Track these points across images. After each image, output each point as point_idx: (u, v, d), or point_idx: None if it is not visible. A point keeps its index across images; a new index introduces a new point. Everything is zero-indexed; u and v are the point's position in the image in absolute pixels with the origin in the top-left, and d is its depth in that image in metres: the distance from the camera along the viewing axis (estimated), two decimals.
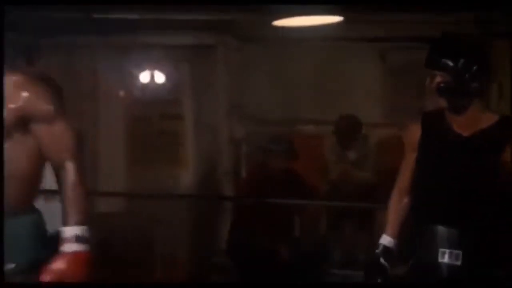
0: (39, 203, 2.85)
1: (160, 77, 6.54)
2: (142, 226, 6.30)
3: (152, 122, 6.74)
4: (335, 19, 5.29)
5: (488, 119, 2.97)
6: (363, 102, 5.99)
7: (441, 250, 2.98)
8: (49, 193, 3.42)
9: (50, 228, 2.79)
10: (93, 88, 6.48)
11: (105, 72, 6.43)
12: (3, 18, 2.88)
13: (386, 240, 3.17)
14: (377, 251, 3.16)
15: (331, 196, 5.81)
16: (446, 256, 2.97)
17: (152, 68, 6.47)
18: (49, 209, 2.94)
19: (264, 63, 6.73)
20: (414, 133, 3.09)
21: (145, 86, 6.49)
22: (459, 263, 2.96)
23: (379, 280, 3.12)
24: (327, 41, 6.44)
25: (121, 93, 6.60)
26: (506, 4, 4.84)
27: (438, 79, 2.91)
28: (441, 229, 2.98)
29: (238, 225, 5.48)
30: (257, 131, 6.62)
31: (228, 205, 6.35)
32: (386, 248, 3.15)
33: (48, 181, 3.02)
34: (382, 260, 3.14)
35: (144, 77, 6.45)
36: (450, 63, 2.88)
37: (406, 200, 3.16)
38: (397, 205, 3.18)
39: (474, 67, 2.88)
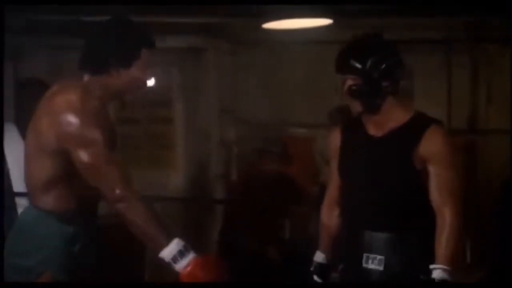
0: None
1: (151, 80, 6.51)
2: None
3: (141, 125, 6.74)
4: (326, 22, 5.30)
5: (402, 117, 2.93)
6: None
7: (365, 254, 2.94)
8: None
9: None
10: None
11: None
12: (3, 18, 2.87)
13: (319, 257, 3.14)
14: (311, 269, 3.14)
15: (321, 198, 5.79)
16: (370, 261, 2.93)
17: None
18: None
19: (256, 66, 6.73)
20: (335, 140, 3.08)
21: None
22: (381, 268, 2.92)
23: None
24: (318, 44, 6.45)
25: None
26: (498, 9, 4.87)
27: (349, 82, 2.90)
28: (365, 233, 2.94)
29: (229, 226, 5.48)
30: (248, 134, 6.62)
31: (218, 207, 6.35)
32: (319, 265, 3.13)
33: None
34: (315, 277, 3.13)
35: None
36: (358, 65, 2.87)
37: (337, 211, 3.11)
38: (327, 218, 3.13)
39: (382, 66, 2.86)
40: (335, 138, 3.09)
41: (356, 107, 2.94)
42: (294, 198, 5.50)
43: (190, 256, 2.60)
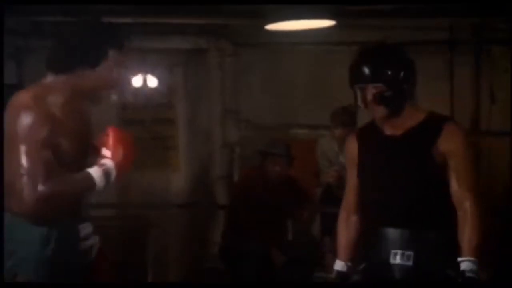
0: None
1: (153, 81, 6.52)
2: (135, 230, 6.28)
3: (144, 126, 6.73)
4: (329, 23, 5.29)
5: (417, 117, 3.02)
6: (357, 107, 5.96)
7: (392, 251, 2.99)
8: None
9: None
10: None
11: None
12: (3, 18, 2.87)
13: (338, 265, 3.17)
14: (331, 276, 3.17)
15: (324, 200, 5.79)
16: (398, 257, 2.98)
17: (146, 72, 6.45)
18: None
19: (258, 67, 6.73)
20: (352, 148, 3.15)
21: (138, 90, 6.48)
22: (410, 263, 2.96)
23: None
24: (321, 45, 6.44)
25: (114, 97, 6.58)
26: (500, 11, 4.86)
27: (373, 90, 2.96)
28: (391, 231, 3.00)
29: (231, 228, 5.47)
30: (251, 136, 6.61)
31: (221, 209, 6.34)
32: (340, 273, 3.15)
33: None
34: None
35: (137, 81, 6.43)
36: (381, 73, 2.95)
37: (354, 218, 3.16)
38: (345, 226, 3.18)
39: (402, 71, 2.96)
40: (351, 145, 3.16)
41: (379, 112, 3.00)
42: (297, 200, 5.49)
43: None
